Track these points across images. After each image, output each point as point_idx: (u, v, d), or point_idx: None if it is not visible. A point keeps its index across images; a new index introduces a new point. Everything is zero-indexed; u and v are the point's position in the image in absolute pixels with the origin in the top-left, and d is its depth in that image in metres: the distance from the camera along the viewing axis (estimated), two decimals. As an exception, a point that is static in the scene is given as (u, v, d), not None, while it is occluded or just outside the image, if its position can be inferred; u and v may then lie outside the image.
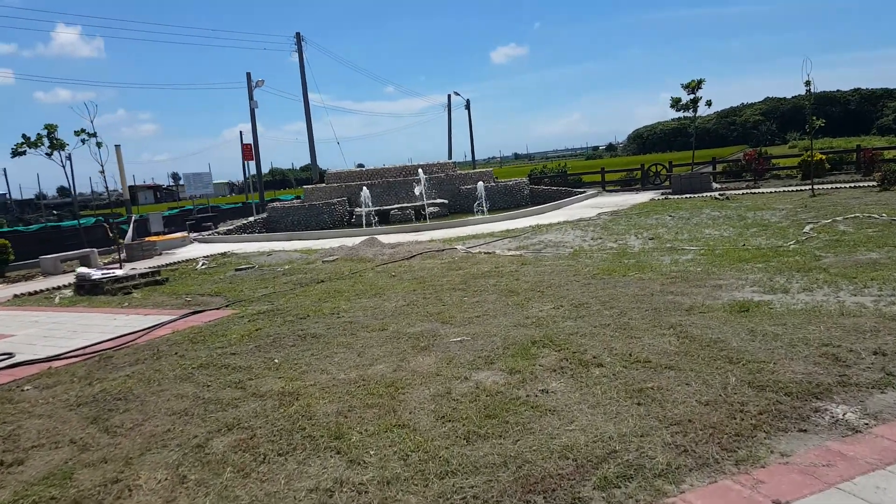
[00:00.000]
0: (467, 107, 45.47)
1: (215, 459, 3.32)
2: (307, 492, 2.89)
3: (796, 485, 2.62)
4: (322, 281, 8.95)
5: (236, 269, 11.07)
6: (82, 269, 9.93)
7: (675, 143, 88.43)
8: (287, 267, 10.83)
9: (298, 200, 22.41)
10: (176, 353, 5.58)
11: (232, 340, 5.83)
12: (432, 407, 3.74)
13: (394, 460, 3.10)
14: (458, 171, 23.25)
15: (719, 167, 24.77)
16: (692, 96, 19.98)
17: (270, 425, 3.70)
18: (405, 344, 5.14)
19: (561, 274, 7.77)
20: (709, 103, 20.15)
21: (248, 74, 23.58)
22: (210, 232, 18.99)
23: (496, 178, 24.61)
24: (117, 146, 15.47)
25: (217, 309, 7.65)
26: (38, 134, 13.45)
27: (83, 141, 13.07)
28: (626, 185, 25.05)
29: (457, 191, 21.34)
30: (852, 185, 17.05)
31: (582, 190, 22.34)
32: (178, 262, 13.23)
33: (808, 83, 15.69)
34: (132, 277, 10.07)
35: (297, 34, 26.20)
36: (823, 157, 20.52)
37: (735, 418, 3.25)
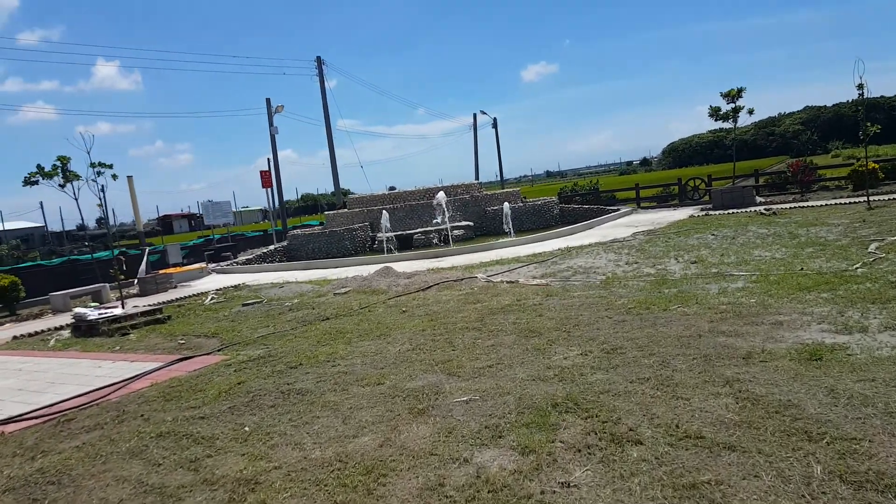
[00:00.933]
0: (494, 125, 44.81)
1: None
2: None
3: None
4: (327, 318, 8.20)
5: (243, 304, 10.44)
6: (79, 310, 9.42)
7: (711, 156, 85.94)
8: (296, 301, 10.14)
9: (320, 227, 21.93)
10: (141, 416, 4.85)
11: (208, 398, 5.08)
12: (418, 506, 2.88)
13: None
14: (485, 192, 22.45)
15: (762, 180, 23.38)
16: (732, 105, 18.79)
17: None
18: (401, 405, 4.29)
19: (591, 308, 6.83)
20: (751, 111, 18.91)
21: (268, 100, 23.41)
22: (228, 262, 18.58)
23: (524, 197, 23.72)
24: (129, 177, 15.22)
25: (208, 354, 6.96)
26: (54, 165, 13.26)
27: (99, 173, 12.81)
28: (663, 201, 23.83)
29: (483, 212, 20.53)
30: (913, 195, 15.62)
31: (615, 208, 21.25)
32: (189, 296, 12.71)
33: (860, 86, 14.46)
34: (132, 317, 9.51)
35: (318, 58, 26.04)
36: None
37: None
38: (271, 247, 20.07)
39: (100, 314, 9.06)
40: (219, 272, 17.54)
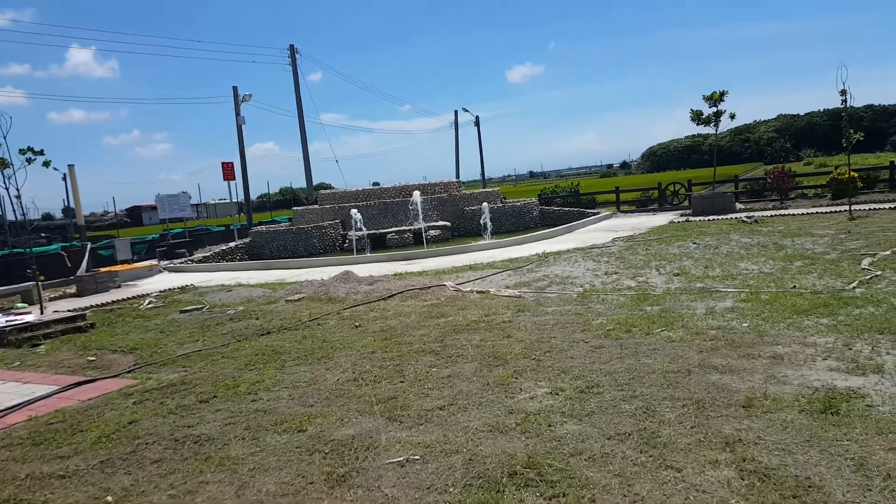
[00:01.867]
0: (476, 124, 44.06)
1: None
2: None
3: None
4: (268, 332, 7.30)
5: (180, 311, 9.48)
6: (-12, 316, 8.37)
7: (689, 161, 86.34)
8: (241, 308, 9.21)
9: (286, 223, 20.90)
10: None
11: (84, 444, 4.15)
12: None
13: None
14: (464, 191, 21.64)
15: (740, 186, 22.96)
16: (714, 109, 18.25)
17: None
18: (318, 467, 3.43)
19: (565, 328, 6.06)
20: (732, 116, 18.40)
21: (235, 88, 22.24)
22: (183, 260, 17.47)
23: (504, 197, 22.97)
24: (70, 166, 14.13)
25: (114, 377, 6.01)
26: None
27: (28, 160, 11.69)
28: (643, 205, 23.28)
29: (461, 212, 19.72)
30: (891, 205, 15.21)
31: (595, 211, 20.62)
32: (128, 298, 11.67)
33: (843, 92, 13.95)
34: (47, 324, 8.45)
35: (291, 47, 24.91)
36: (855, 174, 18.67)
37: None
38: (232, 244, 19.00)
39: (8, 321, 8.03)
40: (171, 270, 16.44)
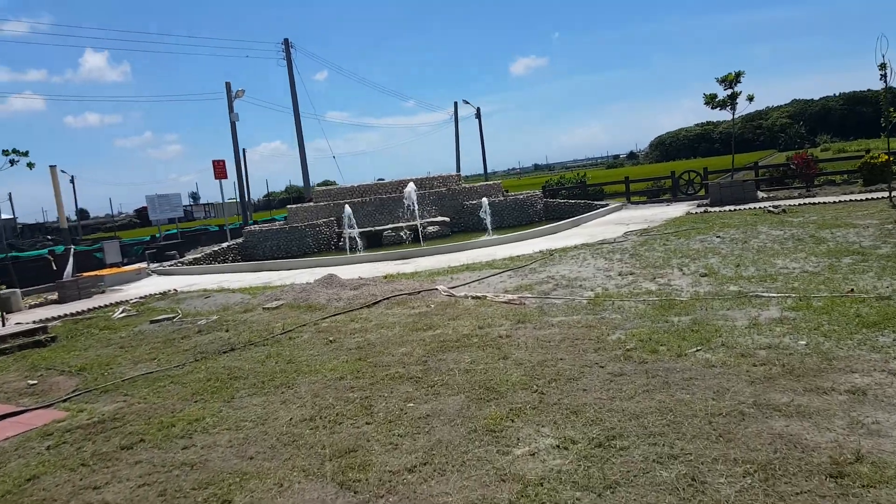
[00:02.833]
0: (477, 116, 42.83)
1: None
2: None
3: None
4: (232, 349, 6.27)
5: (151, 321, 8.49)
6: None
7: (699, 150, 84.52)
8: (214, 318, 8.20)
9: (280, 222, 19.89)
10: None
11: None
12: None
13: None
14: (463, 185, 20.48)
15: (761, 173, 21.68)
16: (730, 91, 16.99)
17: None
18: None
19: (575, 346, 4.98)
20: (750, 98, 17.15)
21: (228, 84, 21.12)
22: (172, 262, 16.50)
23: (506, 191, 21.85)
24: (52, 167, 13.11)
25: (47, 407, 5.02)
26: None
27: (12, 162, 10.84)
28: (654, 195, 22.05)
29: (460, 207, 18.61)
30: (936, 191, 13.93)
31: (604, 203, 19.43)
32: (104, 306, 10.70)
33: (883, 66, 12.70)
34: (2, 339, 7.53)
35: (286, 41, 23.75)
36: (888, 157, 17.38)
37: None
38: (224, 244, 18.02)
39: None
40: (160, 273, 15.49)
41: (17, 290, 12.45)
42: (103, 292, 13.23)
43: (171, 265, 16.25)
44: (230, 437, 3.85)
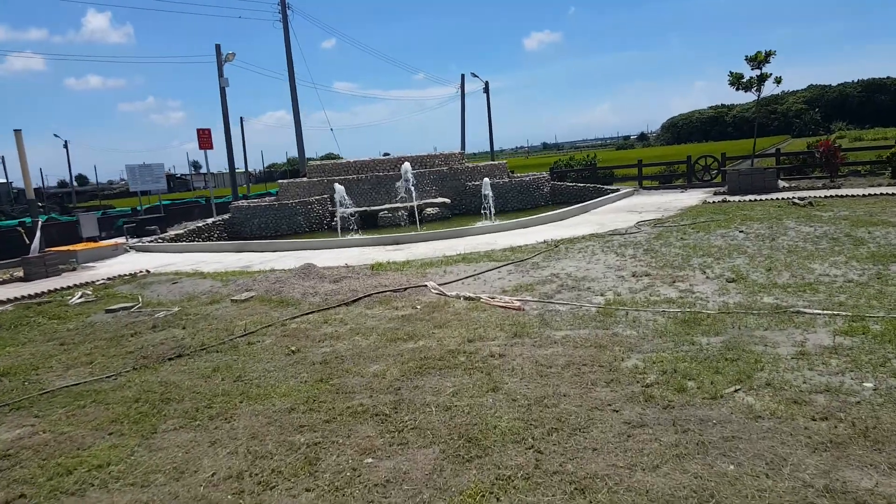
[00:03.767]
0: (486, 90, 41.42)
1: None
2: None
3: None
4: (181, 354, 5.38)
5: (107, 310, 7.61)
6: None
7: (711, 133, 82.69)
8: (175, 310, 7.31)
9: (270, 198, 18.94)
10: None
11: None
12: None
13: None
14: (466, 164, 19.37)
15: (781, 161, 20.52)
16: (758, 72, 15.79)
17: None
18: None
19: (582, 374, 4.06)
20: (778, 80, 15.96)
21: (218, 47, 19.87)
22: (153, 238, 15.59)
23: (512, 171, 20.72)
24: (17, 131, 12.14)
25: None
26: None
27: None
28: (667, 180, 20.97)
29: (462, 187, 17.58)
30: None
31: (614, 188, 18.36)
32: (65, 287, 9.83)
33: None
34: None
35: (282, 0, 22.49)
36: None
37: None
38: (209, 220, 17.08)
39: None
40: (139, 250, 14.60)
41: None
42: (74, 269, 12.35)
43: (152, 241, 15.34)
44: (130, 497, 2.97)
